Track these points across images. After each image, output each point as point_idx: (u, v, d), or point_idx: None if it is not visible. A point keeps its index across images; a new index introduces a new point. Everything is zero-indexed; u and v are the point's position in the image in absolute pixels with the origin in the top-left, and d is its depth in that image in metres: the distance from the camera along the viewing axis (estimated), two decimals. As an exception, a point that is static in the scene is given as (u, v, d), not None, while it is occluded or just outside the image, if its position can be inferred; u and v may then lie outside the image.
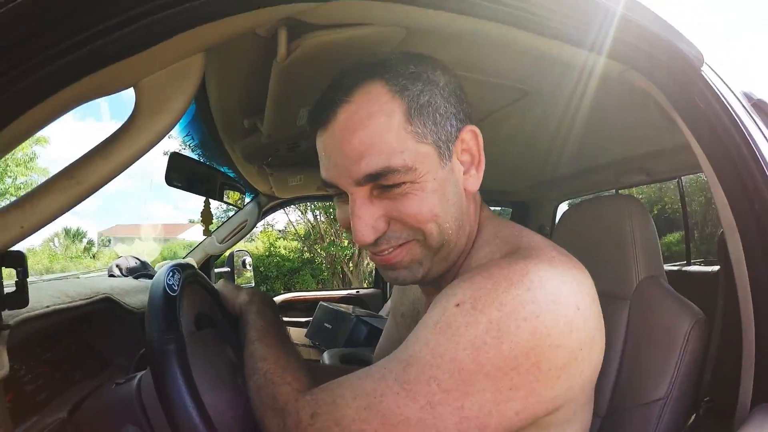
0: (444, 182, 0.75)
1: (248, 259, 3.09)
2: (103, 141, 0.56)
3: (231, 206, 2.51)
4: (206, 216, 1.81)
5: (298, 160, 1.82)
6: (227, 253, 2.80)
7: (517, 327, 0.62)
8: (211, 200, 1.82)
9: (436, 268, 0.81)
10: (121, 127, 0.56)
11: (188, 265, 0.95)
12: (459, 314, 0.65)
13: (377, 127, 0.70)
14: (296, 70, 0.86)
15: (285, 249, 11.98)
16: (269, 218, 12.50)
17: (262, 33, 0.71)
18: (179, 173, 1.57)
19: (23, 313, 0.87)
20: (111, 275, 1.94)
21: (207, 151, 1.75)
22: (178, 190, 1.61)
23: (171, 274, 0.85)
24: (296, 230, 12.24)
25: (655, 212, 9.24)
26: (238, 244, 2.82)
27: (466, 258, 0.85)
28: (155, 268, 2.18)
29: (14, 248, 0.60)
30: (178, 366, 0.69)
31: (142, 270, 2.19)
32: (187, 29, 0.49)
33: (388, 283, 3.26)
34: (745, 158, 0.82)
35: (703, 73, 0.88)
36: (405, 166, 0.70)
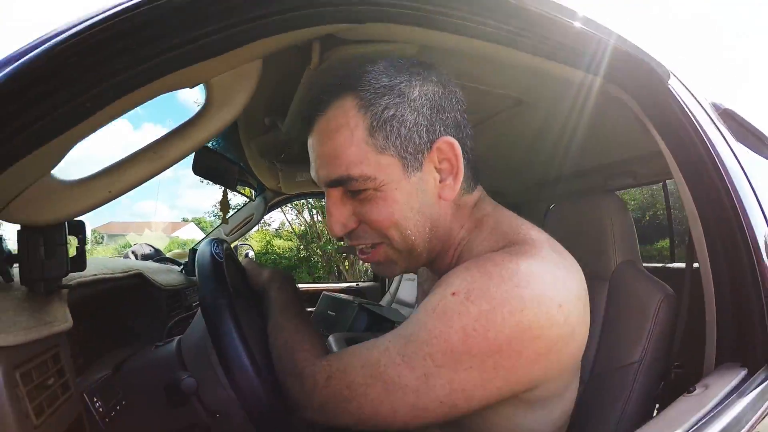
0: (410, 192, 0.83)
1: (251, 253, 3.20)
2: (182, 124, 0.69)
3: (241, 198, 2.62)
4: (224, 205, 1.93)
5: (308, 157, 1.92)
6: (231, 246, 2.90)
7: (502, 319, 0.70)
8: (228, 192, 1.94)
9: (415, 264, 0.92)
10: (196, 114, 0.69)
11: (224, 241, 1.08)
12: (454, 303, 0.73)
13: (341, 140, 0.80)
14: (324, 77, 0.98)
15: (280, 248, 12.08)
16: (265, 217, 12.59)
17: (299, 44, 0.83)
18: (205, 163, 1.68)
19: (76, 278, 0.96)
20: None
21: (224, 143, 1.85)
22: (202, 180, 1.74)
23: (215, 245, 0.98)
24: (293, 229, 12.31)
25: (647, 218, 9.37)
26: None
27: (464, 246, 0.91)
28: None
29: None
30: (230, 317, 0.81)
31: (155, 256, 2.31)
32: (253, 41, 0.62)
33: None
34: (705, 161, 0.95)
35: (670, 87, 0.99)
36: (363, 176, 0.79)
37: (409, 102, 0.80)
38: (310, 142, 0.88)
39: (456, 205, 0.91)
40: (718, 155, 0.96)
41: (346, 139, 0.80)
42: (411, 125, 0.81)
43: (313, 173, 0.89)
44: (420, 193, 0.83)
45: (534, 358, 0.73)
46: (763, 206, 1.04)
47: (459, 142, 0.85)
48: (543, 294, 0.72)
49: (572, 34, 0.86)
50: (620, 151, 1.84)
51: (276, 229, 13.25)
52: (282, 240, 12.59)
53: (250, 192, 2.47)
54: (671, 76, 1.01)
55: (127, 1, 0.50)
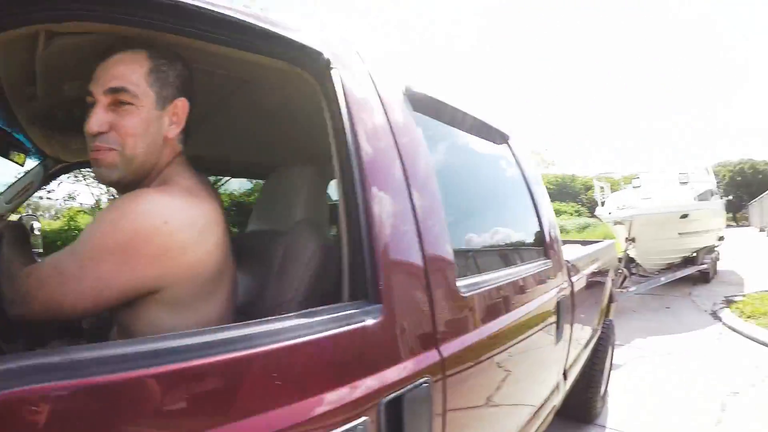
0: (151, 120, 1.16)
1: (36, 224, 3.18)
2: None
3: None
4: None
5: (77, 127, 1.97)
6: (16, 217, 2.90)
7: (122, 225, 1.00)
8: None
9: (129, 178, 1.17)
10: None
11: None
12: (101, 213, 1.07)
13: (131, 68, 1.13)
14: (52, 58, 1.23)
15: (85, 224, 11.43)
16: (71, 191, 11.84)
17: (28, 35, 1.06)
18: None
19: None
20: None
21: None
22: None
23: None
24: (98, 205, 11.67)
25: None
26: (43, 223, 2.84)
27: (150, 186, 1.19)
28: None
29: None
30: None
31: None
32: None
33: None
34: (345, 146, 1.13)
35: (332, 73, 1.16)
36: (134, 93, 1.12)
37: (174, 69, 1.19)
38: (103, 66, 1.14)
39: (171, 148, 1.24)
40: (357, 142, 1.14)
41: (135, 69, 1.13)
42: (170, 81, 1.19)
43: (92, 85, 1.14)
44: (156, 124, 1.17)
45: (148, 260, 1.01)
46: (411, 180, 1.25)
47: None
48: (152, 211, 1.03)
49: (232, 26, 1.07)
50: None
51: (81, 204, 12.51)
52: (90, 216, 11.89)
53: (23, 159, 2.51)
54: (337, 65, 1.17)
55: None
